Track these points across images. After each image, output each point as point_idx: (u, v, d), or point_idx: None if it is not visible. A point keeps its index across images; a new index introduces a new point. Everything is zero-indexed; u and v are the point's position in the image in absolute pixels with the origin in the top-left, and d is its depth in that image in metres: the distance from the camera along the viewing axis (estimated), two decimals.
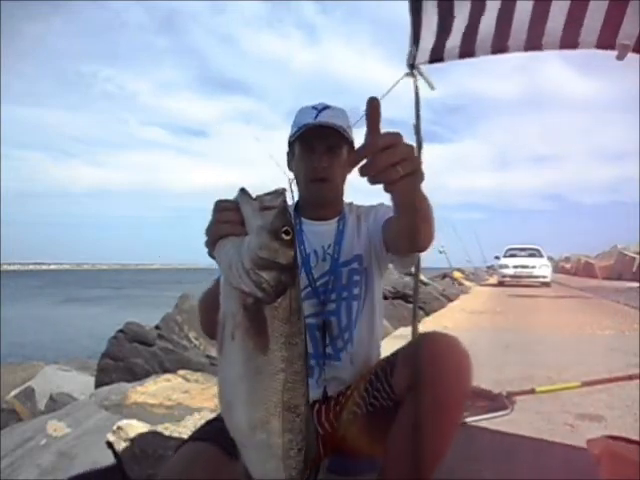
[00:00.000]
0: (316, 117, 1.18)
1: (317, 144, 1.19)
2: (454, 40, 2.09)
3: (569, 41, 2.04)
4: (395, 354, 1.14)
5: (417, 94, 2.34)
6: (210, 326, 1.00)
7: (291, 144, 1.26)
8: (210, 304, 0.91)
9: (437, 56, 2.18)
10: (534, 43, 2.06)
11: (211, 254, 0.76)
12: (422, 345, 1.07)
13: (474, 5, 1.94)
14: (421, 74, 2.29)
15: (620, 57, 1.98)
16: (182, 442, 0.99)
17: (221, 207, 0.74)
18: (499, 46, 2.12)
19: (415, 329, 1.20)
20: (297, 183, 1.27)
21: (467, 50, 2.13)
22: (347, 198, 1.35)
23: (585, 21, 1.95)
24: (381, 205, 1.28)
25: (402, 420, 1.01)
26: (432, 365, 0.97)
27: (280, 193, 0.75)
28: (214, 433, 0.96)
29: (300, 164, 1.22)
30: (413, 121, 2.37)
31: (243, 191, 0.75)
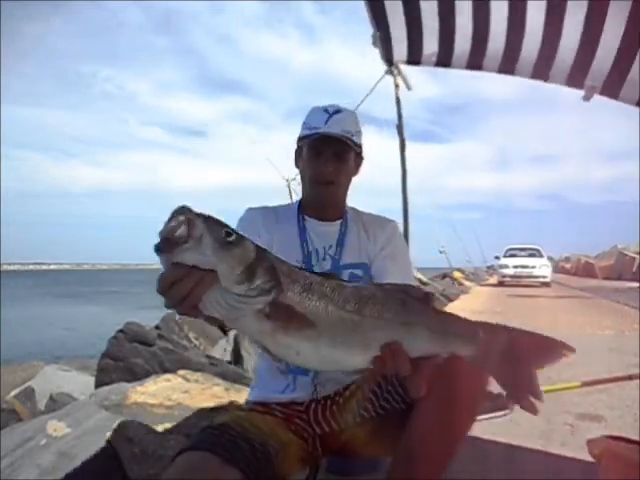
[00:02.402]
0: (327, 121, 1.19)
1: (325, 149, 1.20)
2: (431, 47, 2.11)
3: (540, 73, 2.07)
4: None
5: (397, 92, 2.37)
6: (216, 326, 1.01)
7: (300, 144, 1.28)
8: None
9: (414, 59, 2.20)
10: (507, 68, 2.10)
11: (197, 314, 0.70)
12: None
13: (443, 14, 1.94)
14: (399, 72, 2.31)
15: (586, 98, 2.00)
16: (178, 451, 0.97)
17: (170, 281, 0.65)
18: (474, 63, 2.15)
19: None
20: (302, 181, 1.30)
21: (444, 60, 2.17)
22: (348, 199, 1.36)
23: (556, 58, 1.97)
24: (393, 252, 1.29)
25: (418, 420, 1.01)
26: (450, 365, 0.97)
27: (181, 210, 0.67)
28: (211, 441, 0.96)
29: (307, 166, 1.24)
30: (397, 122, 2.40)
31: (160, 248, 0.65)
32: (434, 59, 2.17)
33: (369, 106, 2.47)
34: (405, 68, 2.33)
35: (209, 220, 0.69)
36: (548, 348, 0.84)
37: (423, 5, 1.92)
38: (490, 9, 1.85)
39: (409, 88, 2.29)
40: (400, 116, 2.32)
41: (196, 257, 0.66)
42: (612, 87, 1.94)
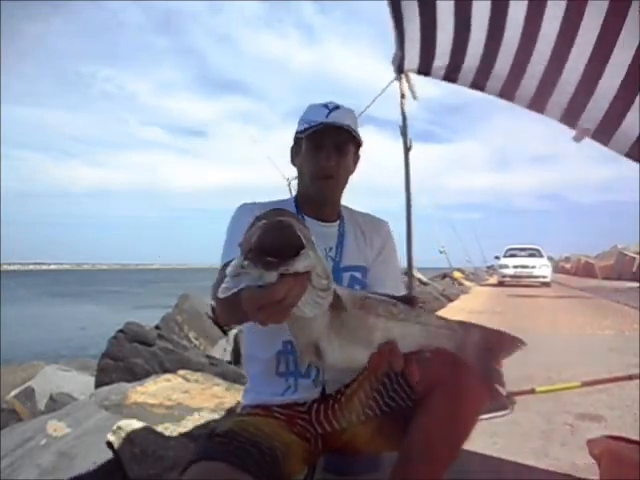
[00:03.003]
0: (327, 116, 1.19)
1: (326, 142, 1.19)
2: (441, 61, 2.12)
3: (537, 106, 2.08)
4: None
5: (403, 103, 2.38)
6: (229, 321, 1.01)
7: (297, 140, 1.26)
8: (230, 309, 0.89)
9: (424, 70, 2.21)
10: (508, 93, 2.11)
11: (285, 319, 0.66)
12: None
13: (458, 28, 1.95)
14: (408, 81, 2.33)
15: (577, 139, 2.01)
16: (188, 463, 0.95)
17: (277, 297, 0.59)
18: (478, 83, 2.16)
19: None
20: (300, 178, 1.28)
21: (451, 76, 2.18)
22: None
23: (554, 94, 1.97)
24: (389, 253, 1.31)
25: (425, 418, 1.02)
26: (456, 363, 0.97)
27: (280, 215, 0.64)
28: (221, 450, 0.95)
29: (306, 160, 1.22)
30: (400, 124, 2.41)
31: (269, 262, 0.59)
32: (442, 73, 2.18)
33: (370, 103, 2.47)
34: (413, 76, 2.33)
35: (299, 220, 0.66)
36: (507, 342, 0.91)
37: (439, 16, 1.93)
38: (503, 34, 1.85)
39: (415, 97, 2.31)
40: (405, 126, 2.33)
41: (307, 263, 0.62)
42: (603, 133, 1.95)
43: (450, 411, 0.99)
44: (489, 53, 1.98)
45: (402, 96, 2.30)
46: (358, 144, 1.25)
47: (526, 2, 1.71)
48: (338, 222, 1.29)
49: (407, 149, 2.36)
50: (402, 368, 0.83)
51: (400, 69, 2.23)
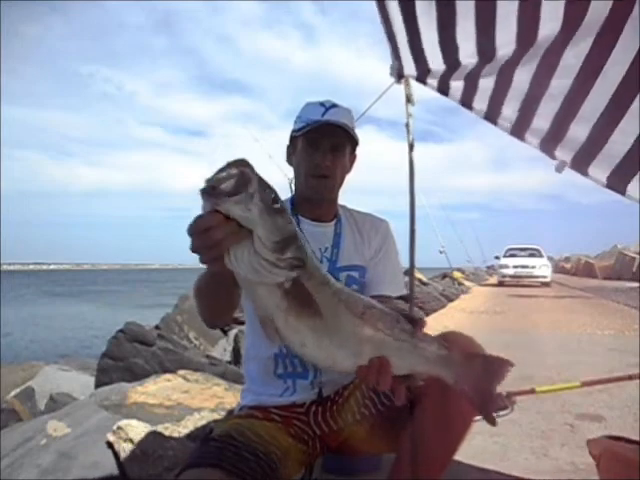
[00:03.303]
0: (324, 114, 1.18)
1: (323, 141, 1.18)
2: (435, 73, 2.12)
3: (518, 132, 2.07)
4: None
5: (407, 102, 2.38)
6: (211, 312, 1.01)
7: (293, 138, 1.25)
8: (208, 289, 0.92)
9: (421, 79, 2.22)
10: (492, 116, 2.11)
11: (217, 271, 0.72)
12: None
13: (445, 43, 1.94)
14: (409, 87, 2.33)
15: (558, 169, 2.00)
16: (183, 467, 0.94)
17: (205, 226, 0.65)
18: (465, 101, 2.16)
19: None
20: (296, 178, 1.27)
21: (443, 89, 2.18)
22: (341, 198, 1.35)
23: (533, 123, 1.96)
24: (388, 254, 1.30)
25: (420, 418, 1.02)
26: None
27: (240, 162, 0.67)
28: (217, 456, 0.95)
29: (302, 159, 1.21)
30: (404, 125, 2.40)
31: (210, 193, 0.66)
32: (435, 85, 2.19)
33: (367, 106, 2.47)
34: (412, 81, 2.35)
35: (263, 181, 0.69)
36: (502, 366, 0.89)
37: (423, 28, 1.93)
38: (495, 51, 1.83)
39: (412, 103, 2.32)
40: (409, 131, 2.33)
41: (241, 212, 0.66)
42: (581, 165, 1.93)
43: (446, 412, 0.99)
44: (475, 73, 1.97)
45: (408, 100, 2.31)
46: (354, 143, 1.24)
47: (514, 30, 1.67)
48: (334, 222, 1.28)
49: (411, 150, 2.35)
50: (389, 389, 0.83)
51: (400, 75, 2.24)
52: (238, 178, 0.66)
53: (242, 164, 0.67)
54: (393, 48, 2.09)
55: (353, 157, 1.29)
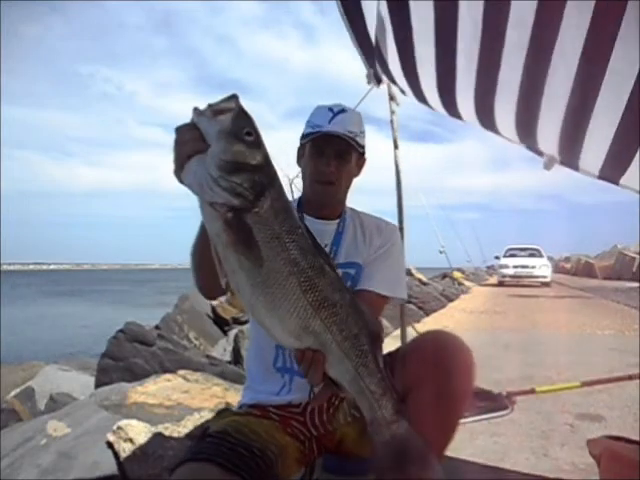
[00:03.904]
0: (331, 120, 1.19)
1: (327, 149, 1.20)
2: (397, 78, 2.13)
3: (489, 126, 2.04)
4: (390, 354, 1.13)
5: (391, 99, 2.39)
6: (205, 279, 1.02)
7: (302, 142, 1.27)
8: (200, 254, 0.93)
9: (395, 81, 2.23)
10: (485, 122, 2.07)
11: (181, 181, 0.76)
12: (425, 343, 1.08)
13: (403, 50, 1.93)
14: (390, 85, 2.33)
15: (547, 167, 1.95)
16: (178, 463, 0.94)
17: (179, 129, 0.74)
18: (453, 112, 2.15)
19: (403, 331, 1.20)
20: (303, 180, 1.29)
21: (421, 99, 2.19)
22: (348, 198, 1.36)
23: (502, 116, 1.92)
24: (388, 251, 1.29)
25: (410, 414, 1.01)
26: (435, 363, 0.98)
27: (232, 97, 0.75)
28: (211, 451, 0.95)
29: (308, 164, 1.24)
30: (389, 118, 2.42)
31: (196, 109, 0.74)
32: (411, 93, 2.20)
33: (368, 106, 2.48)
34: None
35: (242, 115, 0.74)
36: (424, 461, 0.88)
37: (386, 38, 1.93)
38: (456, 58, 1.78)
39: (397, 104, 2.33)
40: (393, 129, 2.35)
41: (204, 126, 0.72)
42: (569, 159, 1.86)
43: (436, 406, 0.98)
44: (447, 79, 1.94)
45: (391, 98, 2.33)
46: (362, 148, 1.26)
47: (480, 23, 1.60)
48: (338, 220, 1.30)
49: (396, 148, 2.38)
50: (317, 384, 0.84)
51: (378, 80, 2.26)
52: (223, 104, 0.73)
53: (234, 99, 0.74)
54: (366, 55, 2.10)
55: (362, 161, 1.30)
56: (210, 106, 0.73)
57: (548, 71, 1.56)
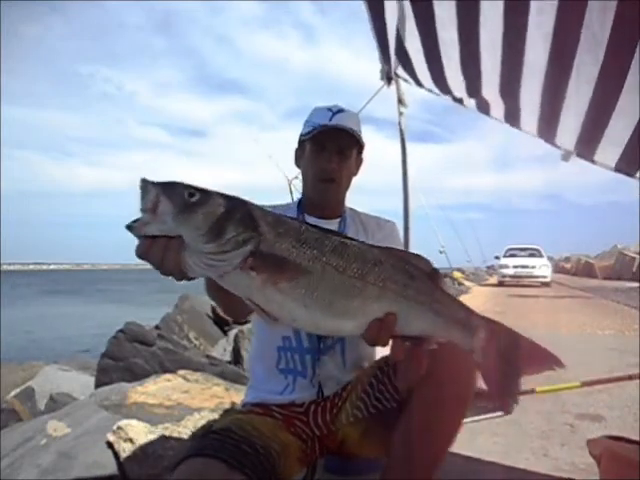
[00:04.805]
0: (331, 119, 1.20)
1: (329, 145, 1.21)
2: (421, 71, 2.13)
3: (512, 120, 2.04)
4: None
5: (399, 102, 2.39)
6: (225, 310, 1.05)
7: (301, 142, 1.28)
8: (219, 291, 0.91)
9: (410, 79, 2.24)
10: (484, 108, 2.08)
11: (192, 278, 0.74)
12: None
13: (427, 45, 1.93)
14: (398, 87, 2.34)
15: (565, 158, 1.97)
16: (180, 459, 0.95)
17: (143, 255, 0.69)
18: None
19: None
20: (303, 180, 1.30)
21: (445, 90, 2.19)
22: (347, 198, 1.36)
23: (527, 110, 1.92)
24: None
25: (408, 419, 1.01)
26: (438, 364, 0.97)
27: (144, 185, 0.69)
28: (215, 447, 0.95)
29: (309, 162, 1.24)
30: (397, 126, 2.42)
31: (133, 226, 0.68)
32: (428, 83, 2.21)
33: (368, 106, 2.48)
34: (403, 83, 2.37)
35: (165, 187, 0.69)
36: (541, 358, 0.85)
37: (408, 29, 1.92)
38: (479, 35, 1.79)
39: (404, 105, 2.34)
40: (401, 131, 2.34)
41: (157, 227, 0.67)
42: (586, 151, 1.88)
43: (435, 411, 0.99)
44: (440, 71, 1.95)
45: (399, 100, 2.33)
46: (361, 147, 1.27)
47: (501, 12, 1.63)
48: (339, 219, 1.31)
49: (404, 150, 2.37)
50: (402, 356, 0.78)
51: (389, 79, 2.26)
52: (147, 199, 0.68)
53: (142, 185, 0.69)
54: (383, 51, 2.10)
55: (360, 160, 1.31)
56: (143, 211, 0.68)
57: (571, 73, 1.59)
